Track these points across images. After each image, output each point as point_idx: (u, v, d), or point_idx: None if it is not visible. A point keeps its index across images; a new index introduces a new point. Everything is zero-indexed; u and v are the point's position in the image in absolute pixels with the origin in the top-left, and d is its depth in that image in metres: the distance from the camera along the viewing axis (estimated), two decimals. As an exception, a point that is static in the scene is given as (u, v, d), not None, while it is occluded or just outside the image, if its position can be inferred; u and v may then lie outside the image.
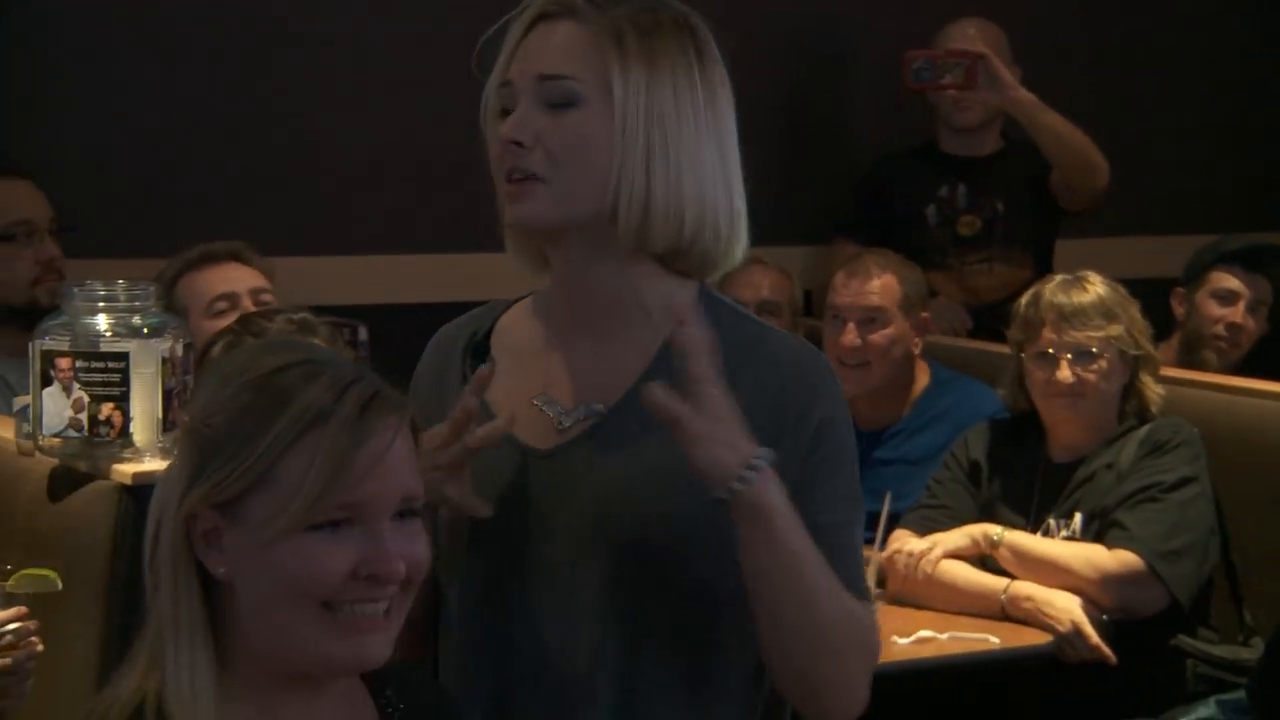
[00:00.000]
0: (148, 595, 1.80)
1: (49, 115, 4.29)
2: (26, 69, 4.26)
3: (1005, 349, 4.07)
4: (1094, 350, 3.90)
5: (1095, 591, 3.73)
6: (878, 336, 4.35)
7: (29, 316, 3.92)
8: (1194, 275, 4.88)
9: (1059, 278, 4.06)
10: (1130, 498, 3.81)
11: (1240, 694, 2.78)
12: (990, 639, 3.61)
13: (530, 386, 2.18)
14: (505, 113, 2.13)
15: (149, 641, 1.78)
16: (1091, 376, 3.90)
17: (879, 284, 4.35)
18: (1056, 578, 3.75)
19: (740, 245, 2.17)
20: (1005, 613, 3.73)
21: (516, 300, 2.27)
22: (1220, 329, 4.79)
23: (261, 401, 1.76)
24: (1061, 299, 3.95)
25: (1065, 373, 3.90)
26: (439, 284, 4.55)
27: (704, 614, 2.13)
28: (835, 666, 2.12)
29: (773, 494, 2.02)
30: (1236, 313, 4.80)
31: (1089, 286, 3.99)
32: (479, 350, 2.23)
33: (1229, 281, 4.81)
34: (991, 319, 4.73)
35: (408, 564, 1.78)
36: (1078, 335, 3.90)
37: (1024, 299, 4.05)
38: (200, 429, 1.78)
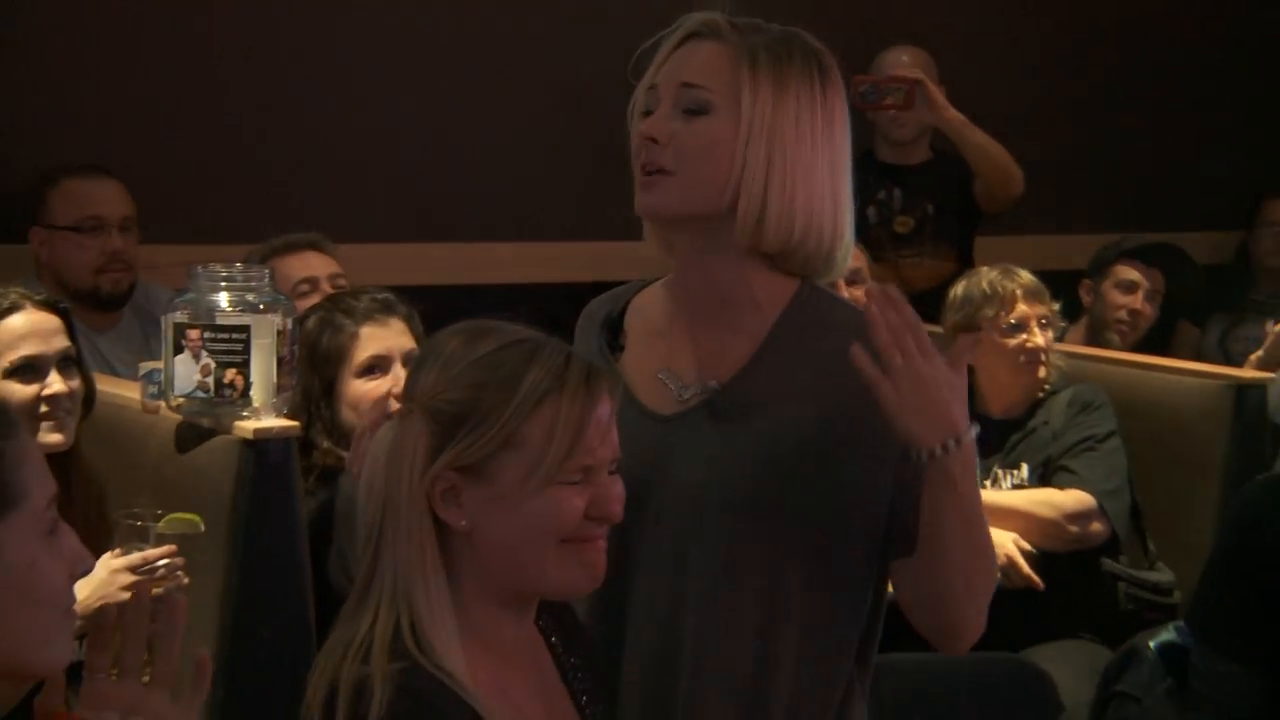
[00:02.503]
0: (376, 549, 1.82)
1: (132, 113, 4.23)
2: (105, 70, 4.21)
3: (937, 329, 4.03)
4: (1048, 322, 4.00)
5: (1057, 528, 3.79)
6: (861, 292, 4.36)
7: (96, 300, 3.92)
8: (1099, 268, 4.94)
9: (998, 267, 4.09)
10: (1073, 448, 3.88)
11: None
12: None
13: (655, 360, 2.17)
14: (648, 113, 2.10)
15: (382, 589, 1.80)
16: (1037, 346, 3.96)
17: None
18: (1019, 522, 3.79)
19: (843, 255, 2.14)
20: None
21: (652, 282, 2.24)
22: (1123, 314, 4.85)
23: (496, 376, 1.80)
24: (1021, 281, 4.01)
25: (1039, 338, 3.97)
26: (479, 270, 4.54)
27: (796, 573, 2.09)
28: (978, 603, 2.10)
29: (961, 465, 1.98)
30: (1136, 300, 4.86)
31: (1023, 274, 4.05)
32: (614, 326, 2.22)
33: (1130, 274, 4.88)
34: (922, 305, 4.76)
35: (621, 506, 1.87)
36: (1042, 308, 3.99)
37: (961, 285, 4.08)
38: (437, 405, 1.80)
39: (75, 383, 2.81)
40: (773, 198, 2.06)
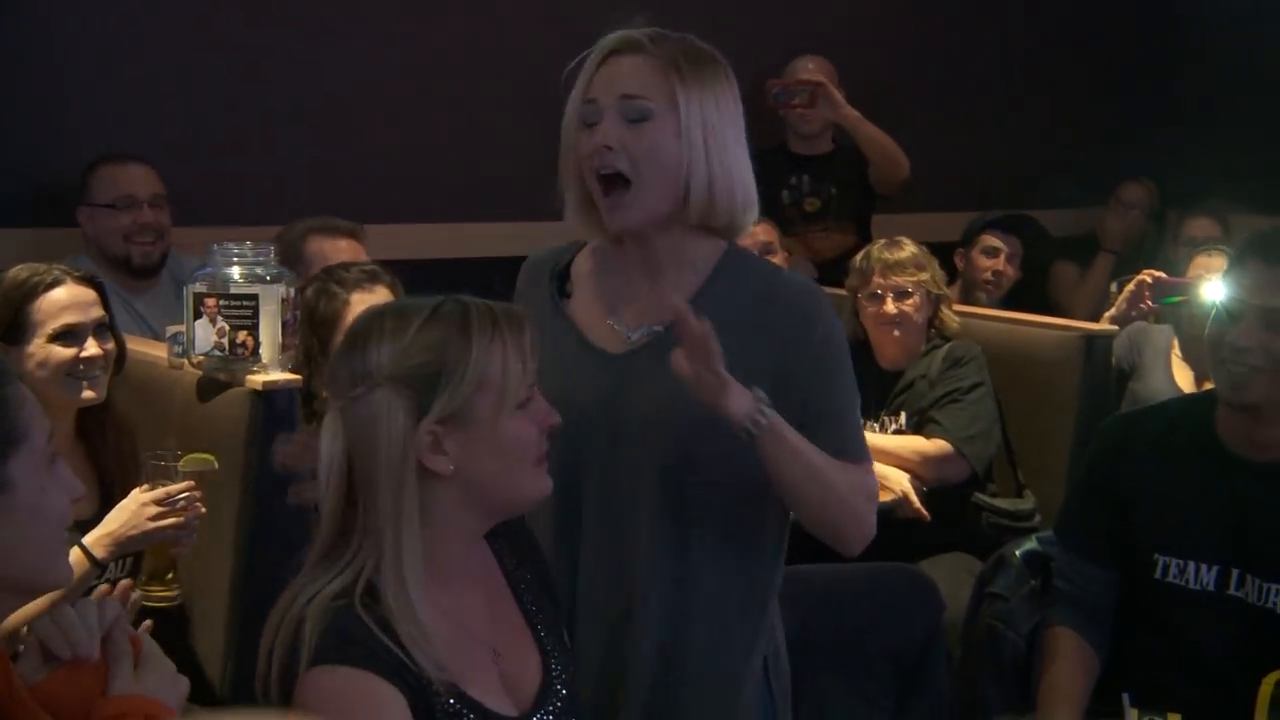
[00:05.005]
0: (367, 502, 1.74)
1: (162, 102, 4.20)
2: (131, 62, 4.17)
3: (842, 292, 4.09)
4: (909, 290, 3.97)
5: (920, 469, 3.81)
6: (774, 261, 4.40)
7: (129, 267, 3.92)
8: (969, 238, 4.99)
9: (882, 240, 4.11)
10: (940, 400, 3.88)
11: (1049, 533, 2.85)
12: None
13: (603, 309, 2.19)
14: (589, 125, 2.10)
15: (357, 548, 1.74)
16: (907, 309, 3.97)
17: (762, 228, 4.40)
18: (893, 460, 3.82)
19: (754, 216, 2.18)
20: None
21: (587, 243, 2.26)
22: (989, 275, 4.90)
23: (448, 332, 1.75)
24: (886, 255, 4.01)
25: (890, 306, 3.97)
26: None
27: (733, 488, 2.13)
28: (848, 513, 2.14)
29: (771, 437, 2.03)
30: (999, 263, 4.91)
31: (905, 246, 4.05)
32: (561, 276, 2.24)
33: (993, 241, 4.93)
34: (829, 272, 4.80)
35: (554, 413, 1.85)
36: (898, 279, 3.97)
37: (858, 256, 4.10)
38: (405, 372, 1.74)
39: (109, 345, 2.81)
40: (717, 179, 2.09)
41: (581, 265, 2.25)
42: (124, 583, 2.43)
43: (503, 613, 1.88)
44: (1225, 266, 2.54)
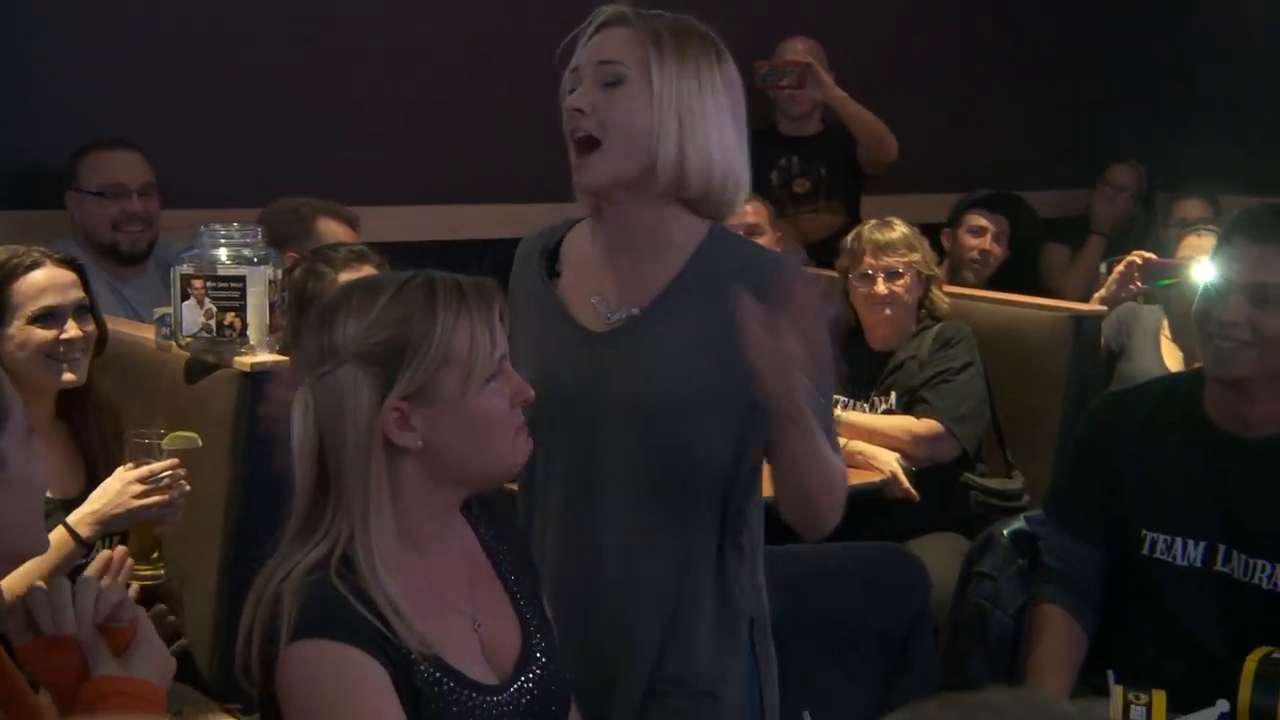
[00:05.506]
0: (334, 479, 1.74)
1: (148, 84, 4.20)
2: (130, 58, 4.18)
3: (833, 273, 4.09)
4: (900, 271, 3.97)
5: (910, 448, 3.82)
6: (759, 242, 4.40)
7: (117, 254, 3.93)
8: (955, 218, 5.00)
9: (873, 221, 4.10)
10: (930, 380, 3.89)
11: (1037, 512, 2.86)
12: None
13: (589, 286, 2.20)
14: (569, 93, 2.13)
15: (330, 523, 1.73)
16: (898, 289, 3.97)
17: (751, 208, 4.38)
18: (883, 440, 3.84)
19: (743, 199, 2.18)
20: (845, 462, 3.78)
21: (582, 219, 2.27)
22: (975, 254, 4.91)
23: (413, 309, 1.75)
24: (877, 235, 4.01)
25: (880, 287, 3.97)
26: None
27: (692, 463, 2.14)
28: (831, 499, 2.16)
29: (797, 426, 2.04)
30: (986, 242, 4.92)
31: (896, 226, 4.05)
32: (551, 256, 2.25)
33: (979, 220, 4.94)
34: (819, 253, 4.80)
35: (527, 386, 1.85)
36: (889, 260, 3.97)
37: (848, 237, 4.10)
38: (368, 349, 1.73)
39: (89, 327, 2.80)
40: (689, 151, 2.09)
41: (571, 244, 2.26)
42: (119, 550, 2.44)
43: (482, 583, 1.88)
44: (1213, 245, 2.56)
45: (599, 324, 2.18)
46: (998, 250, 4.93)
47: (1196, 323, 2.51)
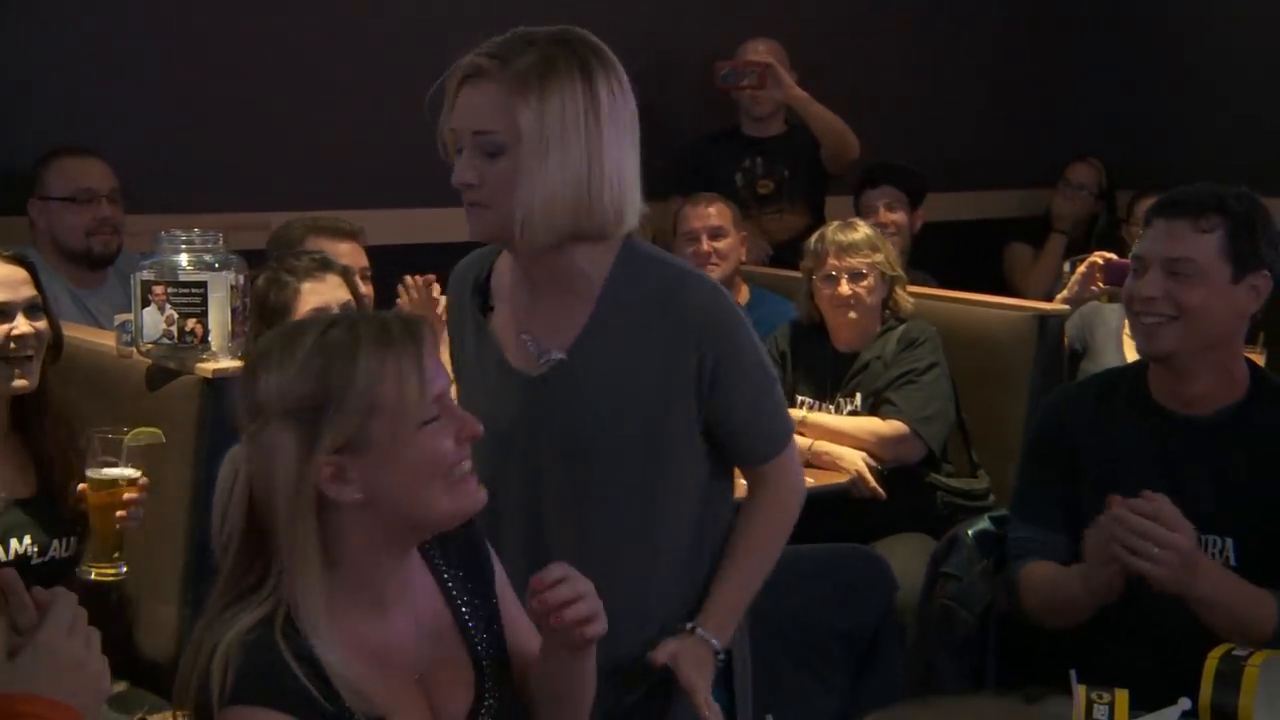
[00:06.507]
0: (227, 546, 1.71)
1: (109, 90, 4.19)
2: (94, 63, 4.17)
3: (797, 274, 4.11)
4: (864, 272, 3.98)
5: (876, 449, 3.84)
6: (723, 244, 4.42)
7: (89, 260, 3.92)
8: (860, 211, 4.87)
9: (837, 222, 4.11)
10: (895, 381, 3.90)
11: (1001, 512, 2.88)
12: (808, 480, 3.68)
13: (517, 323, 2.22)
14: (459, 150, 2.13)
15: (273, 572, 1.70)
16: (861, 290, 3.97)
17: (715, 209, 4.42)
18: (849, 441, 3.85)
19: (631, 210, 2.14)
20: (809, 463, 3.79)
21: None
22: (891, 230, 4.71)
23: (332, 357, 1.69)
24: (840, 236, 4.01)
25: (844, 288, 3.97)
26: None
27: (641, 490, 2.19)
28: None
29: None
30: (882, 216, 4.78)
31: (859, 227, 4.07)
32: (483, 289, 2.27)
33: (869, 201, 4.88)
34: (783, 254, 4.82)
35: (475, 422, 1.78)
36: (852, 261, 3.98)
37: (812, 238, 4.10)
38: (290, 405, 1.68)
39: (41, 324, 2.77)
40: (592, 189, 2.08)
41: (499, 272, 2.28)
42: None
43: (434, 630, 1.83)
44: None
45: (530, 365, 2.20)
46: (899, 216, 4.82)
47: (1125, 303, 2.63)
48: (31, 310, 2.77)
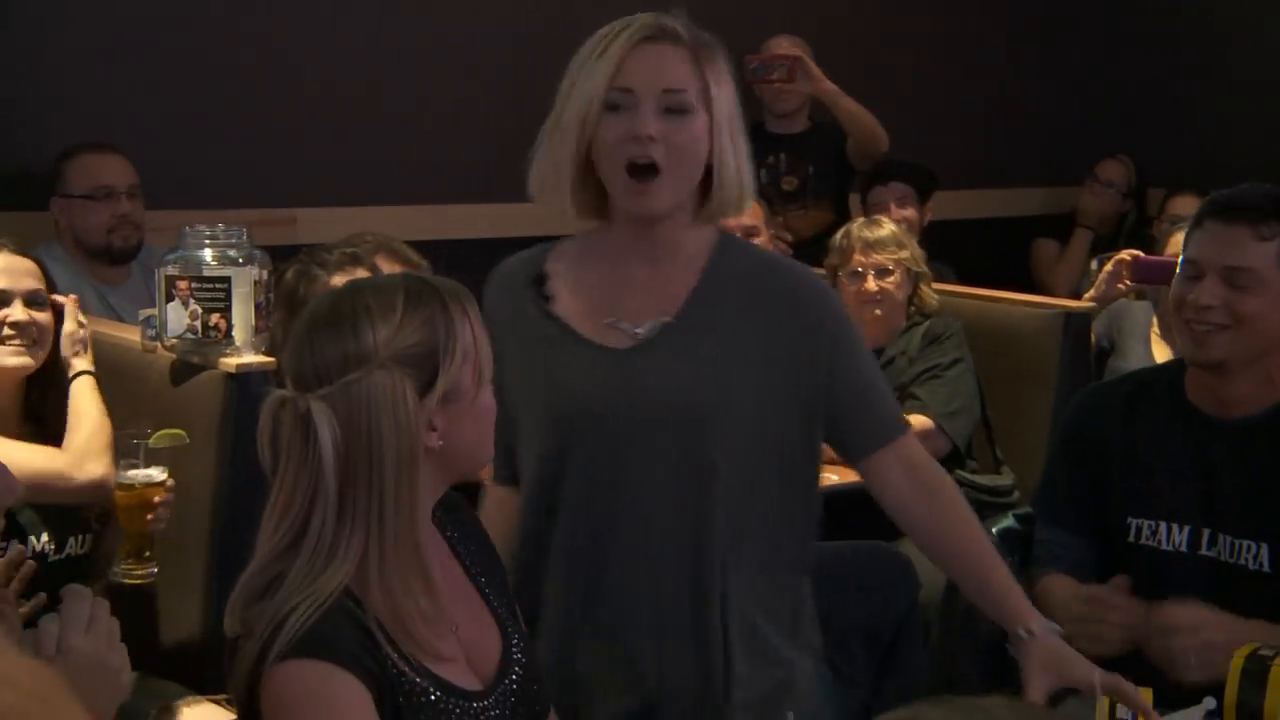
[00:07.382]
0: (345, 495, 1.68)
1: (130, 85, 4.20)
2: (113, 61, 4.17)
3: (822, 271, 4.08)
4: (890, 268, 3.99)
5: None
6: (755, 243, 4.39)
7: (110, 256, 3.93)
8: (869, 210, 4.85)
9: (861, 219, 4.12)
10: (920, 376, 3.90)
11: (1026, 509, 2.87)
12: (831, 477, 3.69)
13: (598, 308, 2.19)
14: (611, 108, 2.08)
15: (347, 533, 1.68)
16: (888, 287, 3.99)
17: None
18: None
19: (750, 201, 2.21)
20: (832, 459, 3.75)
21: (555, 243, 2.27)
22: (902, 228, 4.63)
23: (431, 308, 1.72)
24: (866, 233, 4.04)
25: (871, 284, 3.99)
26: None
27: (756, 477, 2.16)
28: None
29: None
30: (894, 213, 4.71)
31: (884, 224, 4.09)
32: (539, 281, 2.23)
33: (878, 197, 4.84)
34: (807, 251, 4.81)
35: None
36: (879, 257, 3.99)
37: (838, 234, 4.11)
38: (406, 352, 1.69)
39: (42, 316, 2.79)
40: (738, 170, 2.12)
41: (556, 268, 2.25)
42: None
43: (456, 585, 1.86)
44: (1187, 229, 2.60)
45: (622, 341, 2.17)
46: (910, 212, 4.81)
47: (1173, 308, 2.55)
48: (33, 301, 2.78)
